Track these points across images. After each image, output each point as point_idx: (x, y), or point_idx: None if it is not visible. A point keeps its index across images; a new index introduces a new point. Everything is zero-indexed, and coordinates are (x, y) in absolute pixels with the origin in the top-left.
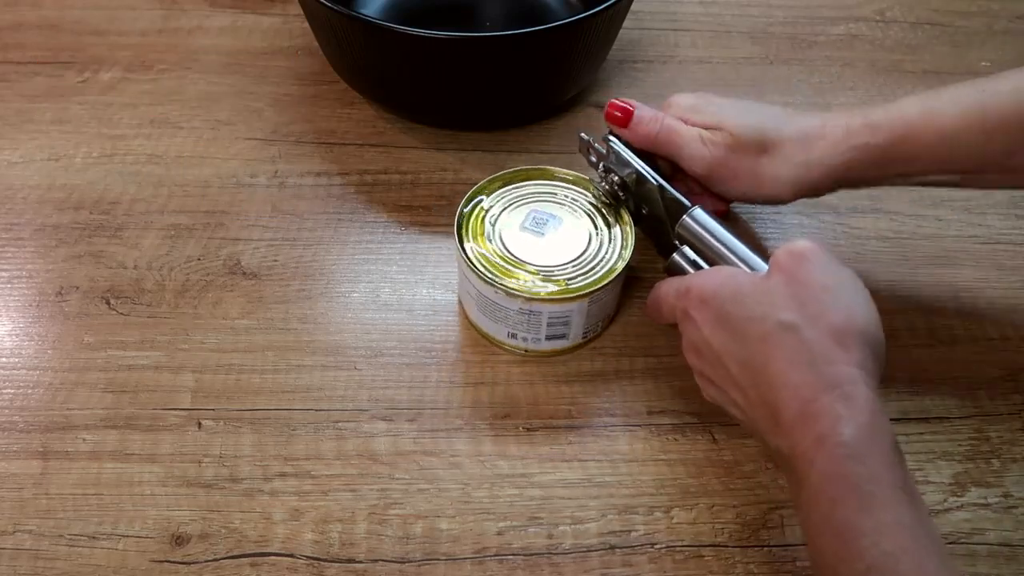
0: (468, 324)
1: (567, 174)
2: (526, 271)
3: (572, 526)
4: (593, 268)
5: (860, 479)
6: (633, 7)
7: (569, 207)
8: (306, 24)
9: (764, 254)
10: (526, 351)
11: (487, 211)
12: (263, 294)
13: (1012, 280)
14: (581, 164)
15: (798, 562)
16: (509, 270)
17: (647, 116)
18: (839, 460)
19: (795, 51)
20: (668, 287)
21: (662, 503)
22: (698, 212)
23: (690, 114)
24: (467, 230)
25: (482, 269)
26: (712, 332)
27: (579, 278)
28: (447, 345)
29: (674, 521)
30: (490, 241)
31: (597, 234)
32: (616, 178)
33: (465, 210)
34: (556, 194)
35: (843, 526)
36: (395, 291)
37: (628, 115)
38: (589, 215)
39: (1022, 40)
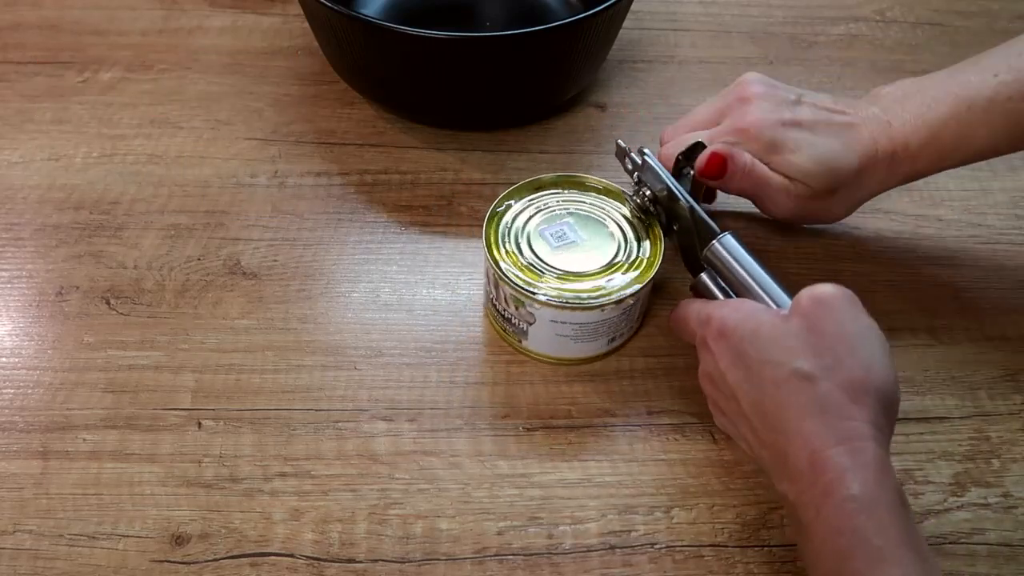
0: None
1: (558, 177)
2: (596, 278)
3: (572, 526)
4: (645, 243)
5: (868, 533)
6: (633, 7)
7: (574, 215)
8: (306, 24)
9: (791, 289)
10: (620, 346)
11: (519, 254)
12: (263, 294)
13: (1012, 280)
14: (575, 167)
15: (798, 562)
16: (599, 286)
17: (739, 170)
18: (847, 514)
19: (795, 51)
20: (692, 309)
21: (662, 503)
22: (728, 239)
23: (771, 154)
24: (521, 275)
25: (582, 300)
26: (728, 367)
27: (644, 249)
28: (447, 345)
29: (674, 521)
30: (545, 273)
31: (621, 232)
32: (648, 191)
33: (504, 270)
34: (552, 206)
35: None
36: (395, 291)
37: (723, 169)
38: (599, 219)
39: None
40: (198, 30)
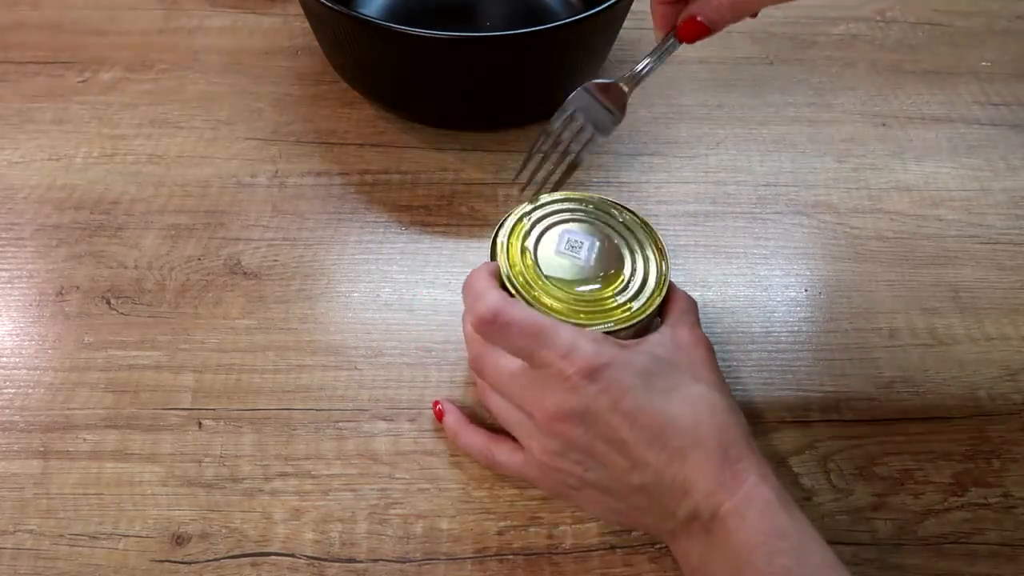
0: None
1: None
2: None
3: (572, 526)
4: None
5: (789, 528)
6: (633, 7)
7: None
8: (306, 24)
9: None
10: None
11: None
12: (263, 294)
13: (1012, 280)
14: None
15: None
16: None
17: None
18: (771, 514)
19: (795, 51)
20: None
21: None
22: None
23: None
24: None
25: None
26: (619, 398)
27: (640, 297)
28: (447, 345)
29: None
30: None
31: (632, 270)
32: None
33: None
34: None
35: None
36: (395, 291)
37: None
38: (595, 228)
39: (1022, 40)
40: (198, 30)
